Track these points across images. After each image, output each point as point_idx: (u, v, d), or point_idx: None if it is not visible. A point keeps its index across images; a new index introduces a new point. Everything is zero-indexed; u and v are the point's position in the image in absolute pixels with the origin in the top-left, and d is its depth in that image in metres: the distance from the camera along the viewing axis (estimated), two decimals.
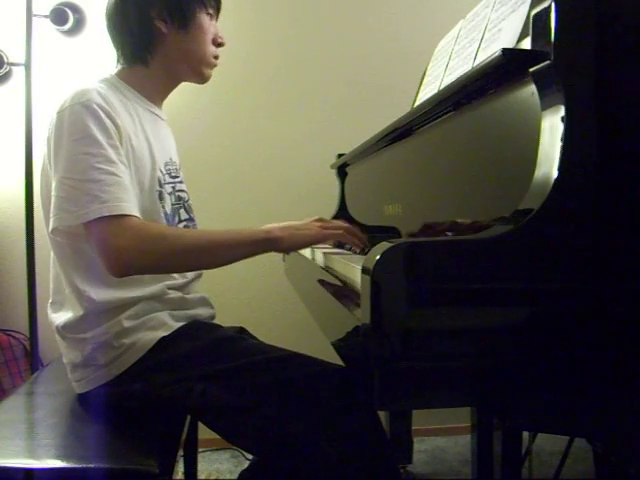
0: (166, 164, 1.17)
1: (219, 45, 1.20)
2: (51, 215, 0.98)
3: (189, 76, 1.19)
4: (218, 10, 1.20)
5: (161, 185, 1.12)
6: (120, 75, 1.15)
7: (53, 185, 0.99)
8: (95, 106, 0.99)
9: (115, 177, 0.97)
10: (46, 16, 2.01)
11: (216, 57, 1.20)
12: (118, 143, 1.01)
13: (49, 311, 1.12)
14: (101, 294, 1.04)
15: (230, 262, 1.04)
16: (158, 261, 0.99)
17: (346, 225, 1.14)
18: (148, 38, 1.12)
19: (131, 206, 0.98)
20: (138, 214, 1.00)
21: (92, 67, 2.05)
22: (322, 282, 1.10)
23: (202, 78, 1.20)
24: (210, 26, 1.17)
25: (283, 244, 1.05)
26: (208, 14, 1.16)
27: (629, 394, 0.68)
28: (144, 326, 1.05)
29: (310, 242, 1.09)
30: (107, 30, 1.16)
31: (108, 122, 1.00)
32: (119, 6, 1.12)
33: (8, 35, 2.08)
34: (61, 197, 0.97)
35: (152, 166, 1.11)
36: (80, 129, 0.98)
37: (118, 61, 1.17)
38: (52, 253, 1.10)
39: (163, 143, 1.19)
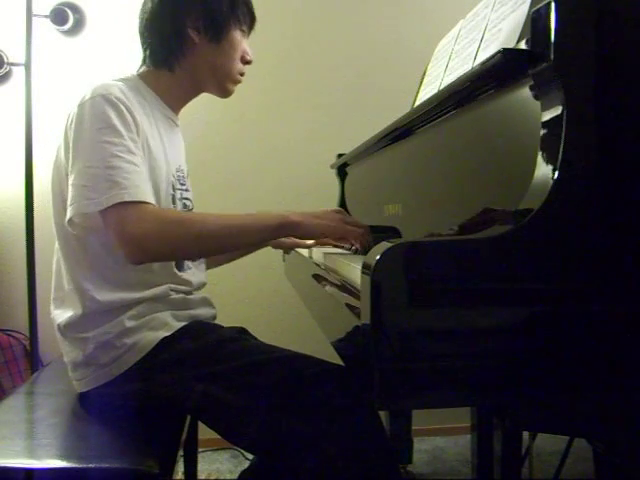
0: (177, 170, 1.18)
1: (247, 63, 1.20)
2: (69, 204, 0.98)
3: (212, 89, 1.20)
4: (251, 28, 1.20)
5: (174, 189, 1.14)
6: (142, 76, 1.16)
7: (72, 175, 0.99)
8: (115, 99, 1.00)
9: (134, 166, 0.98)
10: (46, 16, 2.01)
11: (242, 74, 1.20)
12: (136, 137, 1.02)
13: (51, 307, 1.13)
14: (104, 294, 1.04)
15: (248, 246, 1.05)
16: (176, 246, 1.00)
17: (366, 225, 1.12)
18: (179, 45, 1.12)
19: (149, 195, 0.99)
20: (155, 203, 1.00)
21: (92, 67, 2.06)
22: (322, 282, 1.10)
23: (225, 93, 1.21)
24: (241, 43, 1.17)
25: (302, 229, 1.04)
26: (242, 31, 1.16)
27: (629, 394, 0.68)
28: (146, 326, 1.05)
29: (328, 231, 1.07)
30: (138, 30, 1.16)
31: (128, 116, 1.01)
32: (155, 8, 1.12)
33: (8, 35, 2.08)
34: (81, 185, 0.97)
35: (167, 169, 1.12)
36: (101, 119, 0.98)
37: (144, 62, 1.17)
38: (56, 247, 1.10)
39: (176, 150, 1.20)
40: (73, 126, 1.01)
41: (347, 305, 0.81)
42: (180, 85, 1.17)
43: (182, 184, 1.19)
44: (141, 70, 1.17)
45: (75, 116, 1.01)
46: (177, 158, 1.19)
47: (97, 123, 0.98)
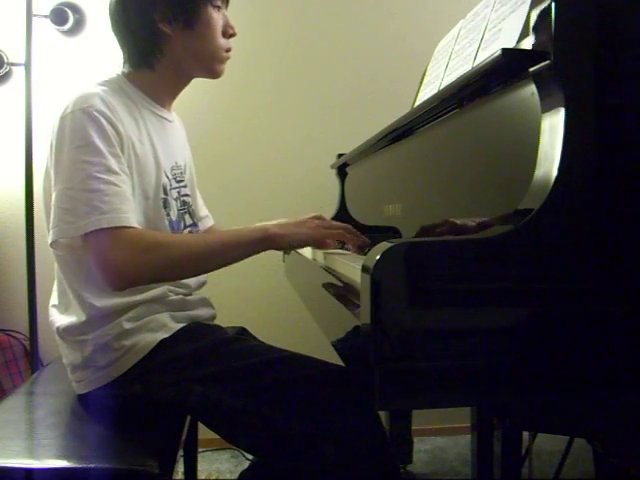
0: (172, 169, 1.16)
1: (230, 36, 1.15)
2: (50, 227, 0.98)
3: (200, 74, 1.16)
4: (226, 0, 1.16)
5: (166, 192, 1.12)
6: (127, 76, 1.13)
7: (54, 195, 0.98)
8: (96, 113, 0.98)
9: (115, 187, 0.96)
10: (46, 16, 2.01)
11: (228, 50, 1.15)
12: (119, 151, 1.00)
13: (51, 312, 1.12)
14: (102, 301, 1.03)
15: (229, 264, 1.04)
16: (156, 272, 0.99)
17: (345, 225, 1.12)
18: (153, 42, 1.09)
19: (130, 217, 0.97)
20: (136, 225, 0.98)
21: (92, 67, 2.06)
22: (322, 282, 1.10)
23: (214, 74, 1.16)
24: (218, 19, 1.12)
25: (282, 242, 1.04)
26: (215, 6, 1.11)
27: (629, 394, 0.68)
28: (144, 328, 1.04)
29: (309, 240, 1.07)
30: (113, 33, 1.13)
31: (110, 129, 0.99)
32: (121, 11, 1.09)
33: (8, 35, 2.08)
34: (61, 208, 0.96)
35: (157, 173, 1.10)
36: (81, 136, 0.96)
37: (125, 64, 1.14)
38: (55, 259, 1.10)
39: (169, 147, 1.17)
40: (54, 142, 0.99)
41: (347, 305, 0.81)
42: (165, 80, 1.14)
43: (180, 181, 1.17)
44: (125, 69, 1.14)
45: (57, 131, 0.99)
46: (171, 156, 1.17)
47: (76, 141, 0.96)
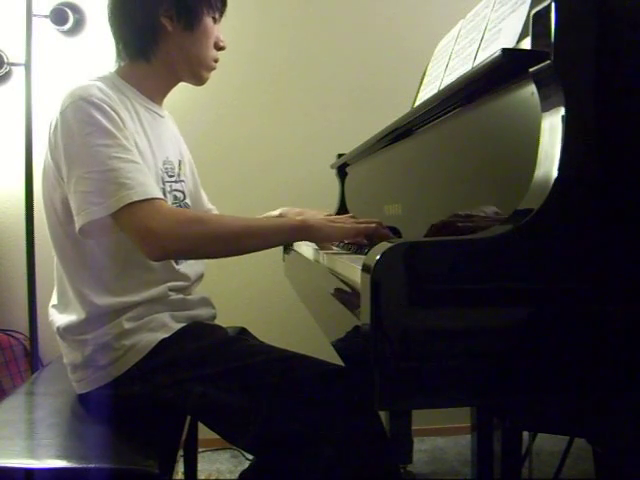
0: (164, 163, 1.17)
1: (220, 49, 1.20)
2: (75, 213, 0.98)
3: (187, 77, 1.20)
4: (222, 14, 1.21)
5: (163, 182, 1.14)
6: (119, 73, 1.15)
7: (71, 184, 0.98)
8: (96, 99, 0.99)
9: (135, 164, 0.98)
10: (46, 16, 2.01)
11: (216, 60, 1.20)
12: (127, 133, 1.02)
13: (51, 312, 1.12)
14: (103, 299, 1.04)
15: (265, 248, 1.06)
16: (195, 245, 1.00)
17: (377, 221, 1.12)
18: (152, 33, 1.12)
19: (156, 189, 0.99)
20: (162, 196, 1.00)
21: (92, 67, 2.05)
22: (322, 282, 1.10)
23: (200, 80, 1.20)
24: (214, 30, 1.18)
25: (319, 234, 1.05)
26: (213, 18, 1.17)
27: (629, 394, 0.68)
28: (144, 328, 1.04)
29: (345, 236, 1.09)
30: (109, 23, 1.14)
31: (114, 114, 1.00)
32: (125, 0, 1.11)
33: (8, 35, 2.08)
34: (84, 192, 0.96)
35: (154, 164, 1.11)
36: (89, 123, 0.97)
37: (119, 56, 1.16)
38: (54, 256, 1.10)
39: (161, 141, 1.18)
40: (60, 134, 0.99)
41: (347, 305, 0.81)
42: (157, 75, 1.17)
43: (170, 176, 1.18)
44: (117, 67, 1.17)
45: (60, 124, 1.00)
46: (164, 150, 1.18)
47: (86, 128, 0.97)
